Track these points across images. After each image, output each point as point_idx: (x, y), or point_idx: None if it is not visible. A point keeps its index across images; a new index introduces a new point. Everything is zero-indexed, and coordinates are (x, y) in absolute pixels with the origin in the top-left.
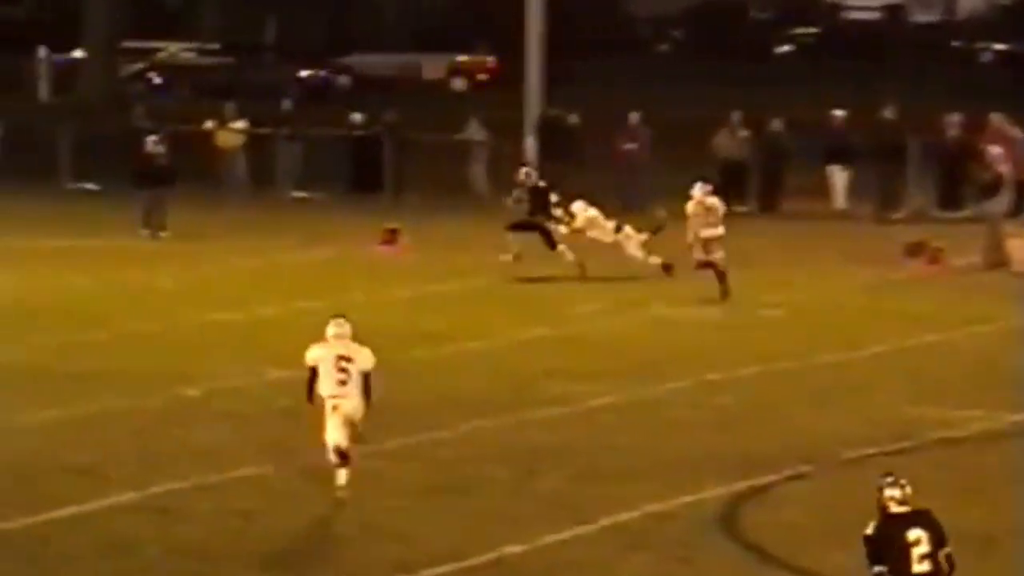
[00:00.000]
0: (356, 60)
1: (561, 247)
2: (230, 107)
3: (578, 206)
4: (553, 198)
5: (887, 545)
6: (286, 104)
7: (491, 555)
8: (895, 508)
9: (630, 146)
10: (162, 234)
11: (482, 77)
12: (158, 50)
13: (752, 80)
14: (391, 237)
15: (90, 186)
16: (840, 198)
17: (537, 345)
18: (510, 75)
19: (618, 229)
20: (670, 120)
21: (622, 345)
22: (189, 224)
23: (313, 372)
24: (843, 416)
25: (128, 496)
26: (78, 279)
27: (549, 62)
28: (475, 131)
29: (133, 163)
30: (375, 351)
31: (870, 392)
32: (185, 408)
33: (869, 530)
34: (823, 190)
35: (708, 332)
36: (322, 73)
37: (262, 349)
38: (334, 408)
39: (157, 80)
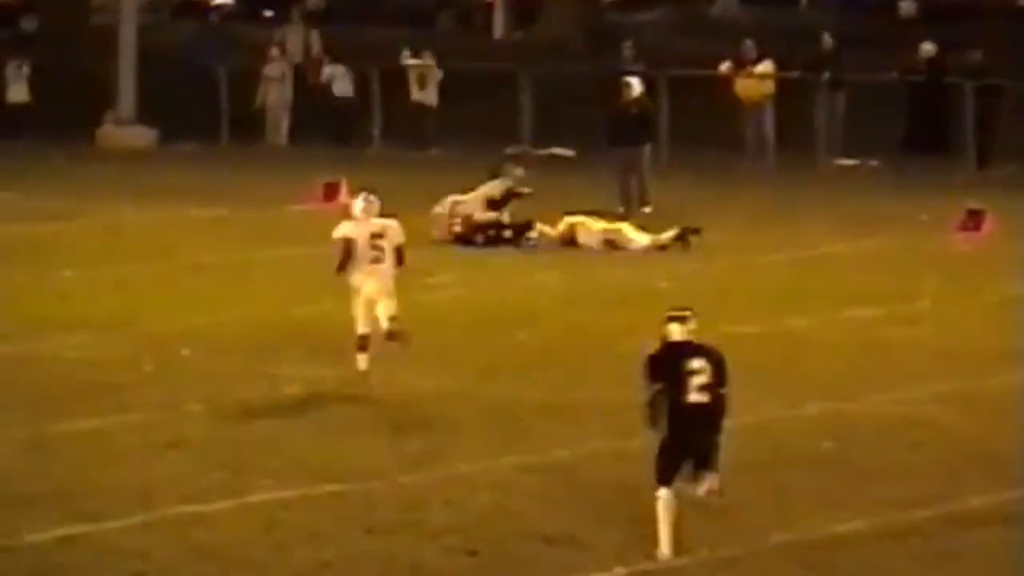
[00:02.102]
0: None
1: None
2: (748, 44)
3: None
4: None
5: (668, 368)
6: (827, 41)
7: None
8: (677, 336)
9: None
10: (645, 210)
11: None
12: None
13: None
14: (972, 221)
15: (559, 151)
16: None
17: None
18: None
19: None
20: None
21: None
22: (694, 202)
23: (347, 245)
24: None
25: (615, 573)
26: (547, 277)
27: None
28: None
29: (608, 115)
30: (940, 377)
31: None
32: None
33: (651, 351)
34: None
35: None
36: None
37: (796, 373)
38: (357, 291)
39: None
